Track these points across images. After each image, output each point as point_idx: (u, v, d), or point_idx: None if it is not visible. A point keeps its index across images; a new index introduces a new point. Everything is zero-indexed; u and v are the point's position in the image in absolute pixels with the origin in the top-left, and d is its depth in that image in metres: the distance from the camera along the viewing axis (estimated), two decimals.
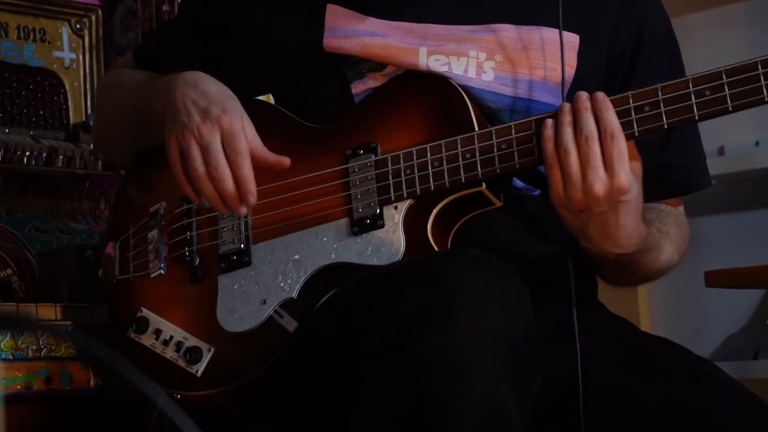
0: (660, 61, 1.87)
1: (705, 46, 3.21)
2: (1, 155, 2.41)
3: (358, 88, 1.84)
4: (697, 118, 1.64)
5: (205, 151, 1.73)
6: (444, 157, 1.73)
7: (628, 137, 1.66)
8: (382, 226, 1.75)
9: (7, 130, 2.47)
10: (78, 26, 2.59)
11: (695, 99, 1.64)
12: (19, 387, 2.06)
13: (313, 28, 1.85)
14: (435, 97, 1.78)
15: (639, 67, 1.85)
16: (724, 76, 1.63)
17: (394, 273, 1.65)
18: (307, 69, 1.87)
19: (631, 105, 1.66)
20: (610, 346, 1.78)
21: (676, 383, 1.70)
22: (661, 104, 1.65)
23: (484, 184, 1.72)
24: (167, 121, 1.79)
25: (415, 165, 1.75)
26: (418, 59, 1.81)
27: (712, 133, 3.11)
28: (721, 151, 3.27)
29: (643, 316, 3.33)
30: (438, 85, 1.79)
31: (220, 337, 1.81)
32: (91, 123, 2.50)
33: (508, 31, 1.82)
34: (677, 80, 1.65)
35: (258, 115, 1.82)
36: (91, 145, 2.48)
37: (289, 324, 1.76)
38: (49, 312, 2.13)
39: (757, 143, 3.24)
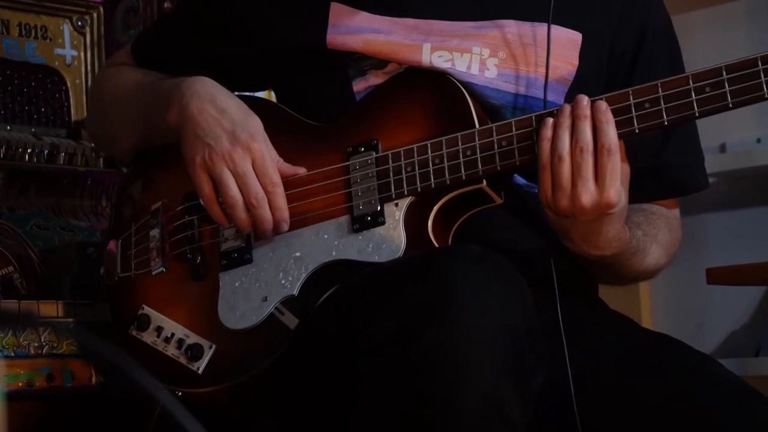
0: (661, 62, 1.87)
1: (705, 44, 3.21)
2: (3, 152, 2.41)
3: (360, 85, 1.84)
4: (697, 114, 1.64)
5: (240, 179, 1.76)
6: (445, 154, 1.73)
7: (629, 134, 1.66)
8: (382, 223, 1.75)
9: (8, 128, 2.47)
10: (79, 23, 2.59)
11: (695, 96, 1.64)
12: (20, 384, 2.06)
13: (317, 25, 1.85)
14: (436, 94, 1.78)
15: (639, 67, 1.85)
16: (724, 73, 1.63)
17: (395, 270, 1.65)
18: (310, 66, 1.87)
19: (632, 102, 1.66)
20: (611, 343, 1.78)
21: (678, 380, 1.69)
22: (662, 101, 1.65)
23: (484, 181, 1.72)
24: (187, 138, 1.80)
25: (416, 162, 1.75)
26: (422, 55, 1.81)
27: (714, 130, 3.11)
28: (722, 149, 3.27)
29: (644, 314, 3.33)
30: (439, 82, 1.79)
31: (221, 335, 1.81)
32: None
33: (510, 28, 1.82)
34: (677, 77, 1.65)
35: (259, 113, 1.82)
36: (93, 143, 2.48)
37: (290, 321, 1.76)
38: (50, 309, 2.13)
39: (758, 140, 3.24)
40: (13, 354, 2.06)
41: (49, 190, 2.47)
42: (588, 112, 1.65)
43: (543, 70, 1.80)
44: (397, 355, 1.51)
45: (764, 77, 1.61)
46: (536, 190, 1.81)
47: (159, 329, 1.86)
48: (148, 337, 1.86)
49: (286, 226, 1.78)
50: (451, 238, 1.76)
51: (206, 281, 1.85)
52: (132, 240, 1.93)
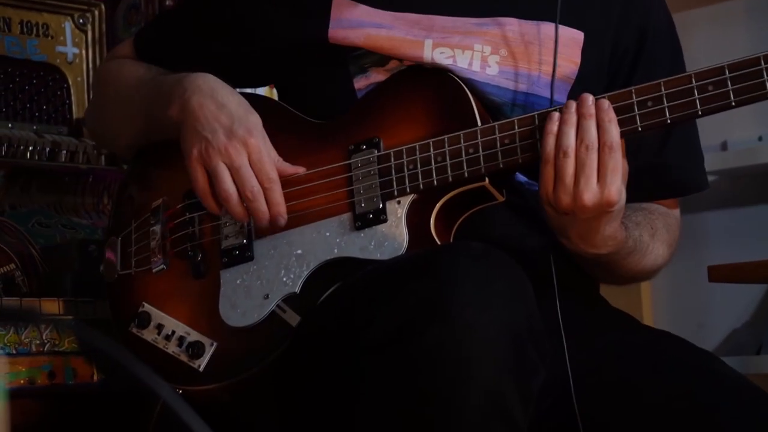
0: (662, 62, 1.86)
1: (706, 43, 3.21)
2: (5, 150, 2.41)
3: (361, 83, 1.84)
4: (700, 113, 1.64)
5: (235, 172, 1.76)
6: (447, 152, 1.73)
7: (632, 132, 1.66)
8: (385, 220, 1.75)
9: (10, 125, 2.47)
10: (81, 21, 2.59)
11: (698, 94, 1.64)
12: (22, 381, 2.07)
13: (319, 20, 1.85)
14: (437, 92, 1.78)
15: (641, 66, 1.85)
16: (726, 71, 1.63)
17: (397, 267, 1.65)
18: (311, 62, 1.87)
19: (634, 100, 1.66)
20: (612, 341, 1.78)
21: (680, 377, 1.69)
22: (664, 99, 1.65)
23: (487, 179, 1.72)
24: (186, 132, 1.80)
25: (418, 160, 1.75)
26: (423, 51, 1.81)
27: (715, 128, 3.11)
28: (724, 147, 3.27)
29: (646, 311, 3.33)
30: (440, 80, 1.79)
31: (222, 332, 1.81)
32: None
33: (513, 26, 1.82)
34: (680, 75, 1.65)
35: (261, 111, 1.82)
36: (92, 139, 2.47)
37: (292, 319, 1.76)
38: (52, 306, 2.13)
39: (760, 138, 3.24)
40: (14, 351, 2.06)
41: (50, 188, 2.47)
42: (593, 110, 1.65)
43: (545, 67, 1.80)
44: (399, 352, 1.51)
45: (767, 76, 1.61)
46: (537, 188, 1.81)
47: (159, 327, 1.86)
48: (149, 335, 1.86)
49: (283, 221, 1.78)
50: (453, 235, 1.76)
51: (207, 279, 1.85)
52: (132, 237, 1.93)
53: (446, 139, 1.73)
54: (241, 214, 1.78)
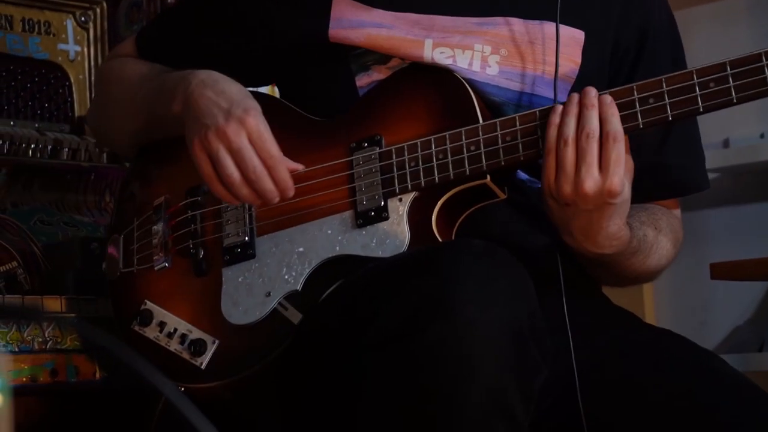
0: (663, 62, 1.86)
1: (708, 40, 3.21)
2: (7, 148, 2.41)
3: (363, 80, 1.84)
4: (701, 109, 1.64)
5: (236, 154, 1.73)
6: (448, 149, 1.73)
7: (633, 129, 1.66)
8: (386, 218, 1.75)
9: (12, 123, 2.47)
10: (83, 19, 2.59)
11: (699, 91, 1.64)
12: (24, 379, 2.07)
13: (319, 19, 1.85)
14: (439, 89, 1.78)
15: (641, 66, 1.85)
16: (728, 68, 1.62)
17: (399, 264, 1.65)
18: (312, 60, 1.87)
19: (636, 97, 1.66)
20: (614, 339, 1.78)
21: (681, 376, 1.69)
22: (666, 96, 1.65)
23: (488, 176, 1.72)
24: (188, 123, 1.79)
25: (420, 157, 1.75)
26: (423, 51, 1.80)
27: (717, 125, 3.11)
28: (726, 144, 3.27)
29: (648, 309, 3.33)
30: (442, 77, 1.79)
31: (224, 330, 1.81)
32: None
33: (513, 25, 1.81)
34: (682, 72, 1.65)
35: (263, 108, 1.81)
36: (94, 137, 2.47)
37: (294, 316, 1.76)
38: (54, 304, 2.13)
39: (762, 135, 3.24)
40: (17, 349, 2.06)
41: (52, 186, 2.47)
42: (596, 102, 1.65)
43: (546, 67, 1.80)
44: (401, 350, 1.51)
45: None
46: (539, 185, 1.81)
47: (162, 324, 1.86)
48: (151, 333, 1.86)
49: (291, 193, 1.76)
50: (454, 233, 1.76)
51: (209, 276, 1.85)
52: (134, 235, 1.93)
53: (448, 136, 1.73)
54: (250, 196, 1.75)
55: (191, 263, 1.86)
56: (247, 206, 1.83)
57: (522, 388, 1.51)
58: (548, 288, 1.71)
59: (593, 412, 1.68)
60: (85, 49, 2.59)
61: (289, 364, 1.74)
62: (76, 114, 2.54)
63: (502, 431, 1.50)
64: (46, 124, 2.51)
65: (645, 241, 1.80)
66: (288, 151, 1.79)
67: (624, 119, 1.65)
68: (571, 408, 1.69)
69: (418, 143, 1.75)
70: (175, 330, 1.84)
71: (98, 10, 2.61)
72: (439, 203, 1.73)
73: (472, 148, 1.72)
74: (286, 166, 1.75)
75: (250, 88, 1.86)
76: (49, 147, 2.45)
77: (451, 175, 1.73)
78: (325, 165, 1.80)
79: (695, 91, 1.64)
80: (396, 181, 1.75)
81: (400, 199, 1.75)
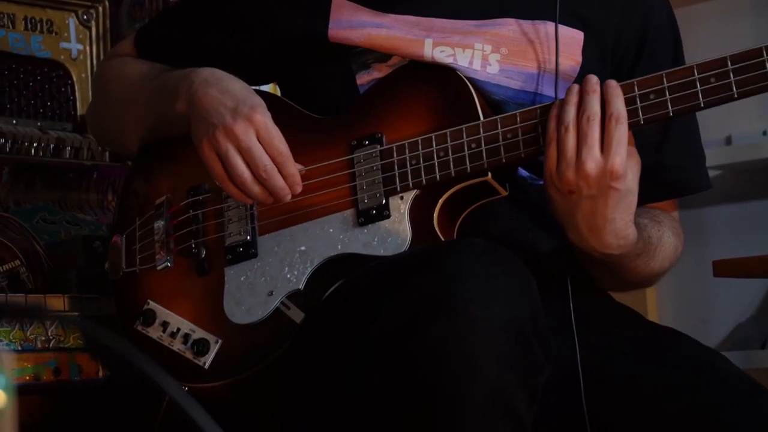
0: (663, 61, 1.85)
1: (710, 37, 3.20)
2: (9, 146, 2.41)
3: (363, 78, 1.84)
4: (702, 105, 1.64)
5: (246, 153, 1.74)
6: (449, 146, 1.73)
7: (634, 125, 1.66)
8: (388, 216, 1.75)
9: (14, 122, 2.47)
10: (85, 17, 2.59)
11: (700, 86, 1.63)
12: (27, 378, 2.07)
13: (318, 19, 1.85)
14: (440, 87, 1.78)
15: (641, 66, 1.84)
16: (729, 63, 1.62)
17: (401, 262, 1.65)
18: (312, 60, 1.87)
19: (636, 93, 1.66)
20: (617, 337, 1.77)
21: (684, 374, 1.69)
22: (667, 92, 1.65)
23: (489, 174, 1.72)
24: (194, 123, 1.79)
25: (421, 155, 1.75)
26: (424, 50, 1.80)
27: (719, 123, 3.11)
28: (728, 141, 3.26)
29: (650, 306, 3.33)
30: (443, 75, 1.79)
31: (227, 329, 1.81)
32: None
33: (513, 25, 1.81)
34: (682, 67, 1.65)
35: None
36: (93, 136, 2.47)
37: (296, 315, 1.76)
38: (57, 303, 2.13)
39: (764, 133, 3.23)
40: (20, 348, 2.06)
41: (55, 184, 2.47)
42: (597, 88, 1.64)
43: (546, 65, 1.80)
44: (403, 348, 1.51)
45: None
46: (540, 182, 1.81)
47: (165, 324, 1.86)
48: (154, 332, 1.86)
49: (299, 189, 1.76)
50: (456, 230, 1.76)
51: (211, 276, 1.85)
52: (136, 234, 1.93)
53: (448, 133, 1.73)
54: (261, 194, 1.75)
55: (193, 263, 1.86)
56: (248, 205, 1.84)
57: (525, 386, 1.51)
58: (550, 286, 1.70)
59: (596, 410, 1.68)
60: (88, 48, 2.59)
61: (292, 363, 1.74)
62: (79, 112, 2.54)
63: (504, 428, 1.50)
64: (48, 122, 2.51)
65: (650, 242, 1.79)
66: (289, 149, 1.79)
67: None
68: (574, 405, 1.69)
69: (419, 141, 1.75)
70: (178, 330, 1.85)
71: (100, 9, 2.61)
72: (441, 201, 1.73)
73: (473, 145, 1.72)
74: (293, 162, 1.76)
75: (252, 87, 1.86)
76: (52, 146, 2.45)
77: (453, 172, 1.72)
78: (326, 163, 1.80)
79: (696, 87, 1.64)
80: (397, 179, 1.75)
81: (402, 197, 1.75)
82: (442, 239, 1.72)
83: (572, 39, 1.82)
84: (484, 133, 1.72)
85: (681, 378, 1.68)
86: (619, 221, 1.67)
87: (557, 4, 1.76)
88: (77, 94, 2.56)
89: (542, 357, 1.55)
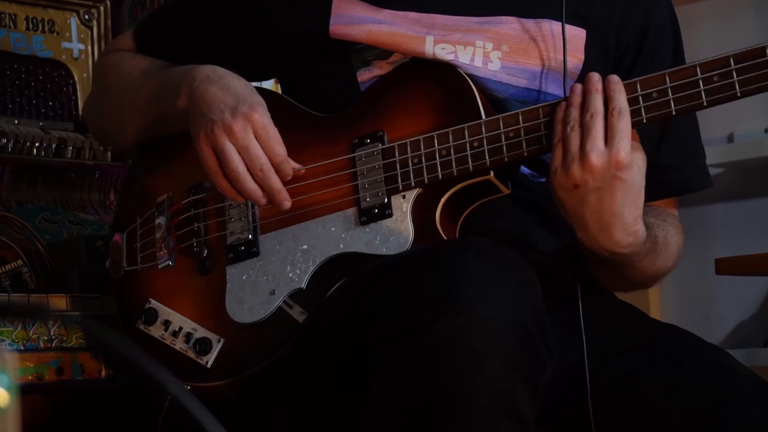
0: (663, 62, 1.84)
1: (712, 35, 3.21)
2: (11, 146, 2.41)
3: (364, 76, 1.84)
4: (705, 104, 1.64)
5: (243, 151, 1.74)
6: (451, 146, 1.73)
7: (637, 124, 1.65)
8: (390, 215, 1.75)
9: (16, 121, 2.47)
10: (86, 17, 2.59)
11: (703, 85, 1.63)
12: (30, 377, 2.07)
13: (320, 15, 1.85)
14: (441, 85, 1.78)
15: (640, 64, 1.84)
16: (732, 62, 1.62)
17: (404, 261, 1.65)
18: (313, 56, 1.87)
19: (639, 92, 1.65)
20: (620, 334, 1.77)
21: (687, 370, 1.69)
22: (669, 91, 1.65)
23: (492, 173, 1.72)
24: (193, 117, 1.79)
25: (423, 154, 1.74)
26: (425, 47, 1.80)
27: (722, 120, 3.11)
28: (730, 139, 3.26)
29: (653, 304, 3.33)
30: (444, 73, 1.79)
31: (229, 328, 1.81)
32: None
33: (514, 23, 1.81)
34: (685, 66, 1.65)
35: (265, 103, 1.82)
36: (91, 133, 2.47)
37: (299, 314, 1.76)
38: (59, 302, 2.13)
39: (766, 130, 3.23)
40: (22, 348, 2.06)
41: (57, 184, 2.47)
42: (600, 86, 1.64)
43: (549, 63, 1.80)
44: (406, 345, 1.51)
45: None
46: (542, 180, 1.81)
47: (167, 323, 1.86)
48: (156, 332, 1.86)
49: (288, 204, 1.76)
50: (458, 229, 1.75)
51: (213, 275, 1.85)
52: (137, 233, 1.93)
53: (450, 132, 1.73)
54: (255, 193, 1.76)
55: (195, 261, 1.86)
56: (250, 204, 1.83)
57: (528, 384, 1.52)
58: (552, 284, 1.70)
59: (599, 408, 1.68)
60: (89, 48, 2.59)
61: (295, 361, 1.74)
62: (80, 112, 2.54)
63: (508, 426, 1.50)
64: (50, 122, 2.51)
65: (656, 242, 1.78)
66: (290, 148, 1.79)
67: None
68: (578, 402, 1.69)
69: (421, 139, 1.75)
70: (180, 329, 1.85)
71: (102, 8, 2.61)
72: (443, 200, 1.73)
73: (475, 144, 1.72)
74: (290, 165, 1.76)
75: (253, 84, 1.85)
76: (54, 145, 2.45)
77: (455, 171, 1.72)
78: (327, 162, 1.80)
79: (699, 86, 1.63)
80: (399, 178, 1.75)
81: (404, 196, 1.75)
82: (445, 238, 1.72)
83: (575, 36, 1.82)
84: (486, 132, 1.72)
85: (684, 375, 1.68)
86: (628, 216, 1.66)
87: (563, 2, 1.76)
88: (79, 93, 2.56)
89: (545, 355, 1.55)
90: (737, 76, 1.62)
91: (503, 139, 1.71)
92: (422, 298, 1.52)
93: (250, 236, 1.82)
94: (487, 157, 1.71)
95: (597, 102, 1.63)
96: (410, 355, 1.51)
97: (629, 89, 1.65)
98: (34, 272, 2.22)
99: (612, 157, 1.61)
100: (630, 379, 1.70)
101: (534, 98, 1.79)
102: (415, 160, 1.75)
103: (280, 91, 1.99)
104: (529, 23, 1.81)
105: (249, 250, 1.82)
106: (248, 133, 1.74)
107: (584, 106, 1.64)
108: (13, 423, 1.07)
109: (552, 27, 1.81)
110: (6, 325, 2.05)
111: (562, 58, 1.79)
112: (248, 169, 1.74)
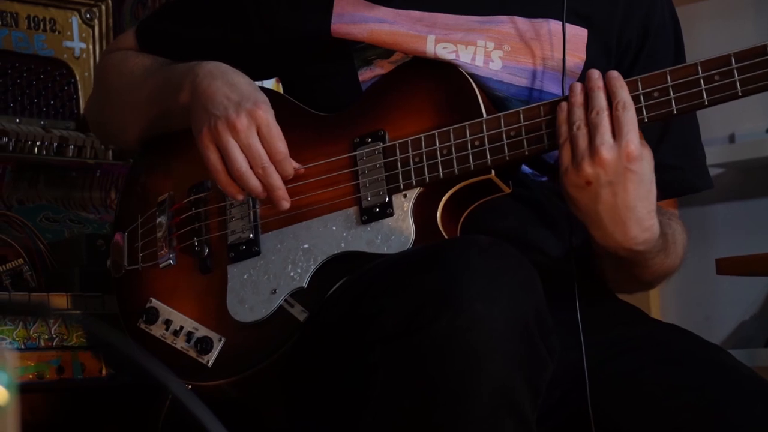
0: (663, 61, 1.84)
1: (713, 35, 3.21)
2: (12, 145, 2.41)
3: (365, 75, 1.84)
4: (706, 103, 1.64)
5: (246, 149, 1.74)
6: (453, 144, 1.73)
7: (638, 123, 1.65)
8: (391, 214, 1.75)
9: (17, 120, 2.47)
10: (88, 16, 2.59)
11: (704, 84, 1.63)
12: (31, 376, 2.07)
13: (321, 14, 1.85)
14: (443, 84, 1.78)
15: (641, 64, 1.84)
16: (733, 61, 1.62)
17: (405, 260, 1.65)
18: (315, 55, 1.87)
19: (641, 91, 1.65)
20: (620, 334, 1.77)
21: (688, 370, 1.69)
22: (671, 90, 1.64)
23: (493, 172, 1.72)
24: (195, 112, 1.79)
25: (424, 153, 1.74)
26: (426, 46, 1.80)
27: (723, 120, 3.11)
28: (731, 139, 3.26)
29: (653, 304, 3.33)
30: (446, 72, 1.79)
31: (230, 327, 1.81)
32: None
33: (516, 23, 1.81)
34: (686, 65, 1.64)
35: None
36: (92, 131, 2.47)
37: (300, 313, 1.76)
38: (60, 301, 2.13)
39: (767, 130, 3.23)
40: (23, 346, 2.06)
41: (58, 183, 2.47)
42: (601, 83, 1.64)
43: (549, 62, 1.80)
44: (407, 345, 1.51)
45: None
46: (543, 179, 1.81)
47: (168, 322, 1.86)
48: (157, 331, 1.86)
49: (287, 204, 1.77)
50: (459, 228, 1.75)
51: (214, 274, 1.85)
52: (138, 232, 1.93)
53: (451, 131, 1.73)
54: (258, 189, 1.76)
55: (196, 261, 1.86)
56: (251, 203, 1.83)
57: (529, 383, 1.52)
58: (553, 283, 1.70)
59: (600, 407, 1.68)
60: (91, 47, 2.59)
61: (296, 360, 1.74)
62: (82, 111, 2.54)
63: (509, 425, 1.50)
64: (51, 121, 2.51)
65: (666, 240, 1.78)
66: (291, 147, 1.79)
67: None
68: (579, 402, 1.69)
69: (422, 138, 1.74)
70: (181, 328, 1.85)
71: (103, 7, 2.61)
72: (444, 199, 1.73)
73: (477, 143, 1.72)
74: (291, 163, 1.76)
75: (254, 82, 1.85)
76: (55, 144, 2.45)
77: (456, 170, 1.72)
78: (328, 161, 1.80)
79: (700, 85, 1.63)
80: (400, 177, 1.75)
81: (405, 195, 1.75)
82: (446, 237, 1.72)
83: (576, 36, 1.82)
84: (487, 131, 1.72)
85: (685, 375, 1.68)
86: (641, 209, 1.65)
87: (564, 2, 1.76)
88: (80, 92, 2.56)
89: (546, 354, 1.55)
90: (738, 75, 1.62)
91: (504, 138, 1.71)
92: (423, 297, 1.52)
93: (251, 235, 1.82)
94: (489, 156, 1.71)
95: (600, 99, 1.63)
96: (411, 354, 1.51)
97: (630, 88, 1.65)
98: (35, 271, 2.22)
99: (622, 149, 1.60)
100: (631, 379, 1.70)
101: (535, 98, 1.79)
102: (416, 159, 1.75)
103: (281, 91, 1.99)
104: (531, 23, 1.81)
105: (250, 249, 1.82)
106: (252, 130, 1.74)
107: (587, 104, 1.64)
108: (13, 422, 1.07)
109: (553, 27, 1.81)
110: (7, 324, 2.05)
111: (562, 57, 1.79)
112: (250, 167, 1.74)
